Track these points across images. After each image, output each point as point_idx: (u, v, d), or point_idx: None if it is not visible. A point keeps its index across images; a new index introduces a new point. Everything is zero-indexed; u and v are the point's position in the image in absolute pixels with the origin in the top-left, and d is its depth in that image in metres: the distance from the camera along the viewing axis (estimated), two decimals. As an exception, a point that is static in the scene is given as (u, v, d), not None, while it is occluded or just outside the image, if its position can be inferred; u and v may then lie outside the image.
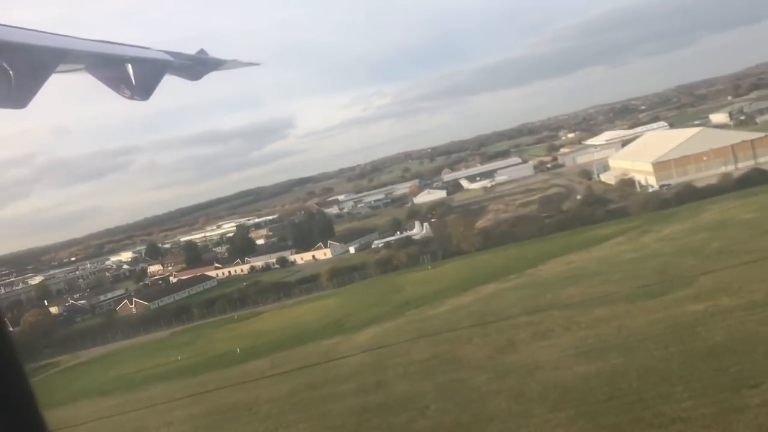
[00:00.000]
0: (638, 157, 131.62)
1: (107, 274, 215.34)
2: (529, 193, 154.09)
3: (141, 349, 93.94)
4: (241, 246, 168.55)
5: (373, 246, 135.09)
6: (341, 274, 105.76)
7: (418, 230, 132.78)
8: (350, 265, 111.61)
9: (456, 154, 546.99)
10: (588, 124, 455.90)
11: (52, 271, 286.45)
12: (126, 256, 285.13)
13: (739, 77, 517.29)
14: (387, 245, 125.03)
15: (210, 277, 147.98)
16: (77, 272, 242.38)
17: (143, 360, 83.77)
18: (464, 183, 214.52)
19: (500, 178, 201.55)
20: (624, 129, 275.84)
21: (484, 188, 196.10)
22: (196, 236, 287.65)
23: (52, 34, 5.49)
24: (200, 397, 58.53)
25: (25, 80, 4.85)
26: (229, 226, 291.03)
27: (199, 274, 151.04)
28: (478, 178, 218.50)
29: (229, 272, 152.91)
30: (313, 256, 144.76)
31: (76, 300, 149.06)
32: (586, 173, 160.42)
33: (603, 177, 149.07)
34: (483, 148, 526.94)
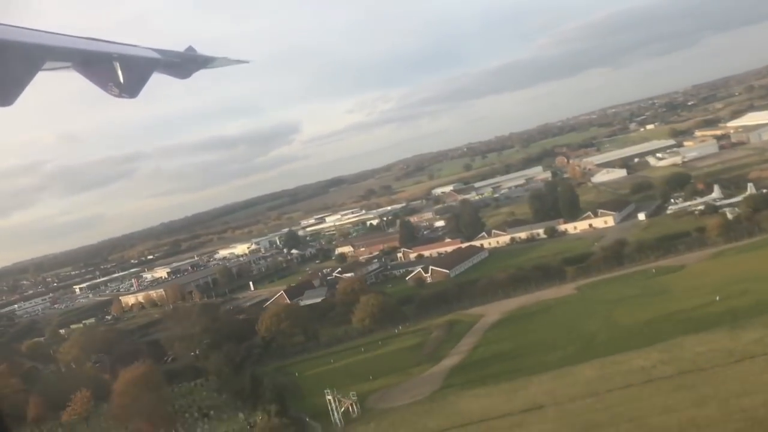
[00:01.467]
0: None
1: (279, 258, 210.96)
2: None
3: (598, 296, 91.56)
4: (469, 223, 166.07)
5: (668, 212, 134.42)
6: (732, 229, 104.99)
7: (718, 194, 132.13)
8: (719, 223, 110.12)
9: (506, 151, 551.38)
10: (650, 117, 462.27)
11: (174, 264, 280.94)
12: (242, 248, 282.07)
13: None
14: (712, 208, 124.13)
15: (481, 249, 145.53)
16: (225, 263, 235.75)
17: (651, 306, 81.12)
18: (651, 161, 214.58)
19: (690, 154, 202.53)
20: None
21: (675, 164, 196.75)
22: (324, 226, 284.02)
23: (38, 30, 5.45)
24: None
25: (10, 78, 4.86)
26: (350, 217, 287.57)
27: (465, 246, 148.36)
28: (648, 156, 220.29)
29: (481, 244, 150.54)
30: (590, 225, 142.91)
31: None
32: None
33: None
34: (532, 145, 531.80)
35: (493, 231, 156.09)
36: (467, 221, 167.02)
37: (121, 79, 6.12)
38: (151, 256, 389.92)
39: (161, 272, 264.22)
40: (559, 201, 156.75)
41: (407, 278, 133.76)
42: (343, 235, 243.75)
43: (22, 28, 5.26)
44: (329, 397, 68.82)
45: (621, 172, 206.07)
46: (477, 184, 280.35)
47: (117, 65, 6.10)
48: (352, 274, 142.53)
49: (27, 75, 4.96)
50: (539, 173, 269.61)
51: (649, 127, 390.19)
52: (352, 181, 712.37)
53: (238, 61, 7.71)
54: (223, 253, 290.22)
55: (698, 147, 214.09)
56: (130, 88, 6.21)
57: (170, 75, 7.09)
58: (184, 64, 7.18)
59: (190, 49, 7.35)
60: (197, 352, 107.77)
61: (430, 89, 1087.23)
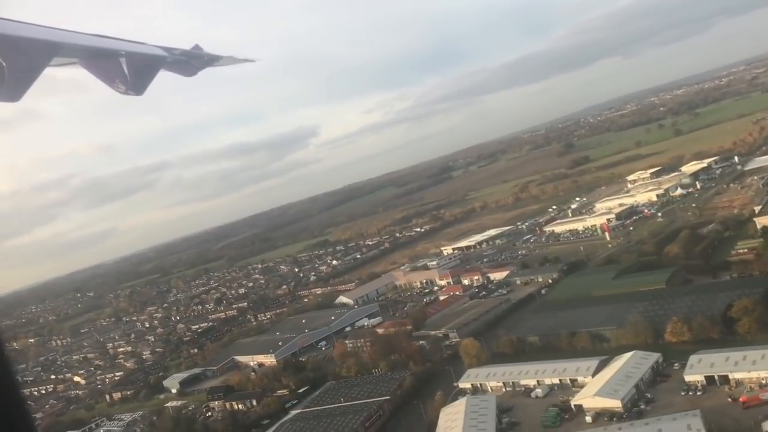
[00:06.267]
0: None
1: None
2: None
3: None
4: None
5: None
6: None
7: None
8: None
9: (666, 119, 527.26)
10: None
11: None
12: (647, 195, 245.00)
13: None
14: None
15: None
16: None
17: None
18: None
19: None
20: None
21: None
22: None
23: (46, 27, 5.31)
24: None
25: (19, 73, 4.71)
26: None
27: None
28: None
29: None
30: None
31: None
32: None
33: None
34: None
35: None
36: None
37: (128, 77, 5.91)
38: (410, 233, 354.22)
39: (560, 227, 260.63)
40: None
41: None
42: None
43: (31, 24, 5.10)
44: None
45: None
46: None
47: (123, 62, 5.90)
48: None
49: (35, 71, 4.82)
50: None
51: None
52: (458, 167, 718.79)
53: (245, 60, 7.64)
54: (608, 204, 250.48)
55: None
56: (137, 85, 6.00)
57: (176, 73, 6.84)
58: (190, 61, 6.94)
59: (197, 47, 7.16)
60: None
61: (449, 86, 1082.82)
